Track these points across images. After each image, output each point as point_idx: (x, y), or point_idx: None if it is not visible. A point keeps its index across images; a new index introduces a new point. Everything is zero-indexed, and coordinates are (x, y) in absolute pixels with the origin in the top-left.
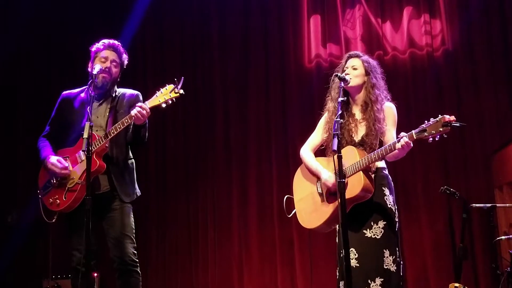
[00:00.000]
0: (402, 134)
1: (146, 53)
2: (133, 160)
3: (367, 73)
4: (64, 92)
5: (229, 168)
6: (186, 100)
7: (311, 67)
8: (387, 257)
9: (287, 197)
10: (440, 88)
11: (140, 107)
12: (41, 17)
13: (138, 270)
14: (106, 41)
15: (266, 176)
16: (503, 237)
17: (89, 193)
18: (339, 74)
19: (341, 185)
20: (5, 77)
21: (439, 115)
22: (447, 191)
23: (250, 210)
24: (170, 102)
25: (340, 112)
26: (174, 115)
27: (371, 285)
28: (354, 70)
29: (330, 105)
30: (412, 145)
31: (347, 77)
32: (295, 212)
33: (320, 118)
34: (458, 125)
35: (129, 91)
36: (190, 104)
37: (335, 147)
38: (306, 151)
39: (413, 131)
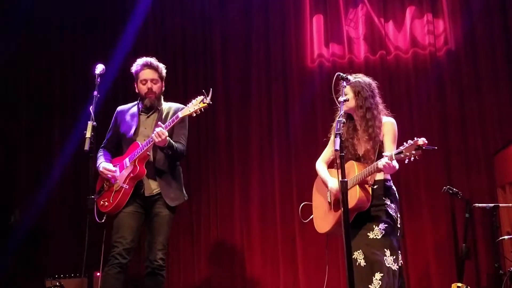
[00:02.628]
0: (385, 154)
1: (147, 54)
2: (179, 167)
3: (355, 94)
4: (119, 108)
5: (231, 167)
6: (187, 99)
7: (314, 67)
8: (389, 256)
9: (304, 204)
10: (442, 87)
11: (157, 132)
12: (41, 18)
13: (163, 273)
14: (141, 61)
15: (268, 175)
16: (506, 237)
17: (93, 193)
18: (341, 74)
19: (343, 185)
20: (6, 78)
21: (415, 138)
22: (450, 191)
23: (252, 208)
24: (199, 111)
25: (342, 112)
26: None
27: (373, 280)
28: (345, 95)
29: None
30: (395, 166)
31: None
32: (311, 218)
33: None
34: (429, 149)
35: (175, 105)
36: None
37: (337, 147)
38: (319, 164)
39: (393, 152)
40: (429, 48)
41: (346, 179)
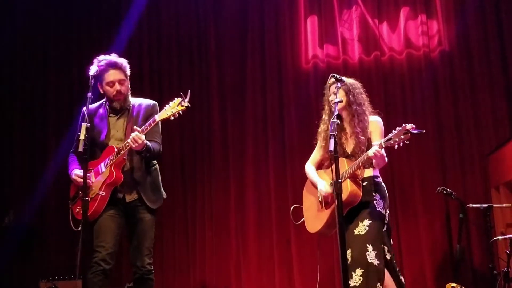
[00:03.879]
0: (374, 143)
1: (142, 54)
2: (156, 166)
3: (346, 93)
4: (84, 109)
5: (226, 169)
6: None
7: (308, 68)
8: (370, 251)
9: (294, 206)
10: (436, 88)
11: (134, 137)
12: (36, 18)
13: (152, 276)
14: (103, 60)
15: (263, 177)
16: (499, 237)
17: (85, 195)
18: (335, 75)
19: (337, 186)
20: (2, 79)
21: (403, 124)
22: (444, 192)
23: (248, 210)
24: (177, 115)
25: (337, 113)
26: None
27: (353, 275)
28: (334, 94)
29: (324, 117)
30: (384, 154)
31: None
32: (303, 220)
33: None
34: (417, 132)
35: (145, 102)
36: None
37: (331, 148)
38: (308, 166)
39: (382, 140)
40: (423, 49)
41: (340, 180)
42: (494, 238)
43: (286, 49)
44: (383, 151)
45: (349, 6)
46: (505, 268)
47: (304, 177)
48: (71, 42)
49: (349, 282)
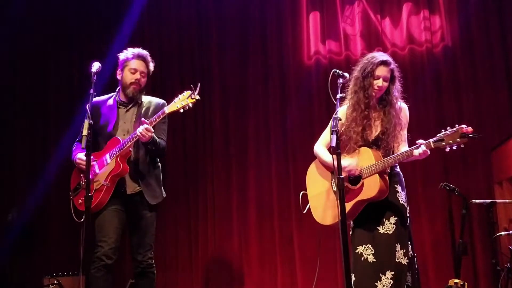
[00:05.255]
0: (420, 141)
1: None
2: (159, 164)
3: (392, 79)
4: (93, 99)
5: (228, 166)
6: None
7: (310, 64)
8: (398, 250)
9: (303, 193)
10: (439, 84)
11: (144, 128)
12: (37, 17)
13: (154, 270)
14: (135, 50)
15: (265, 174)
16: (502, 232)
17: (88, 191)
18: (337, 71)
19: (340, 182)
20: (3, 76)
21: (456, 125)
22: (447, 187)
23: (250, 207)
24: (187, 107)
25: (338, 109)
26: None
27: (382, 278)
28: (385, 82)
29: (350, 97)
30: (429, 152)
31: (374, 90)
32: (309, 208)
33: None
34: (475, 136)
35: (155, 100)
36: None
37: (333, 144)
38: (320, 147)
39: (431, 140)
40: (425, 44)
41: (342, 176)
42: (497, 234)
43: (288, 45)
44: (428, 151)
45: (351, 1)
46: (508, 264)
47: (306, 173)
48: (71, 40)
49: (376, 284)
